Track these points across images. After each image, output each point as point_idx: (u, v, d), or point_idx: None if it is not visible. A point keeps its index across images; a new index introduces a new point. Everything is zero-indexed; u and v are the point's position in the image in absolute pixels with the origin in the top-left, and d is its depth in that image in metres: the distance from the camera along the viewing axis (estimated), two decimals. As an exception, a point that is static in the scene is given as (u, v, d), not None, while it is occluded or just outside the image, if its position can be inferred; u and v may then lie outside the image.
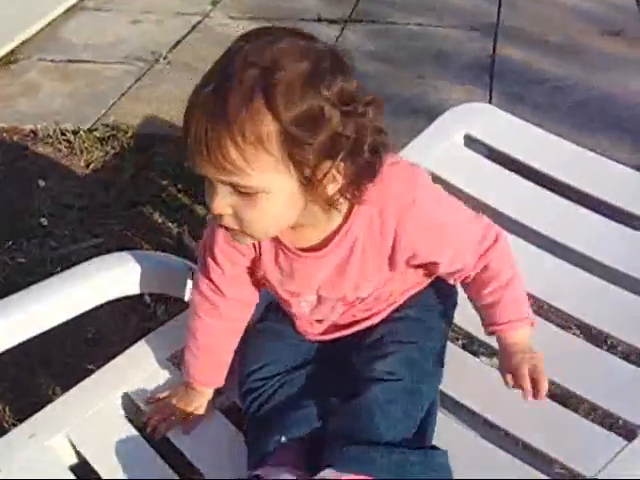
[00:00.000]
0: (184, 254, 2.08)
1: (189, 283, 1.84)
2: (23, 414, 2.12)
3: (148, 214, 3.02)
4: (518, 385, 1.48)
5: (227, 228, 1.36)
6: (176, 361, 1.76)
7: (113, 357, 1.80)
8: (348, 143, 1.26)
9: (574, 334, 1.86)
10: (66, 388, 1.95)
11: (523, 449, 1.58)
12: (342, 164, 1.28)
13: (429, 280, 1.65)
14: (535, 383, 1.47)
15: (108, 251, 1.92)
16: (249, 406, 1.61)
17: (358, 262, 1.47)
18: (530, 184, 2.00)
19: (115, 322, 2.54)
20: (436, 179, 1.99)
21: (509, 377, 1.50)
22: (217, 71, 1.28)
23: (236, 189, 1.28)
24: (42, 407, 1.75)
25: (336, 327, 1.64)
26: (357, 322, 1.63)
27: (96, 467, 1.60)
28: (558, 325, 1.80)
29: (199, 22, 4.58)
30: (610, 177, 2.00)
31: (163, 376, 1.75)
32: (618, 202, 1.92)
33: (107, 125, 3.54)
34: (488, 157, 2.06)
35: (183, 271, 1.86)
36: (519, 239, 1.88)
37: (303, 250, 1.47)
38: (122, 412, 1.70)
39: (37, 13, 4.57)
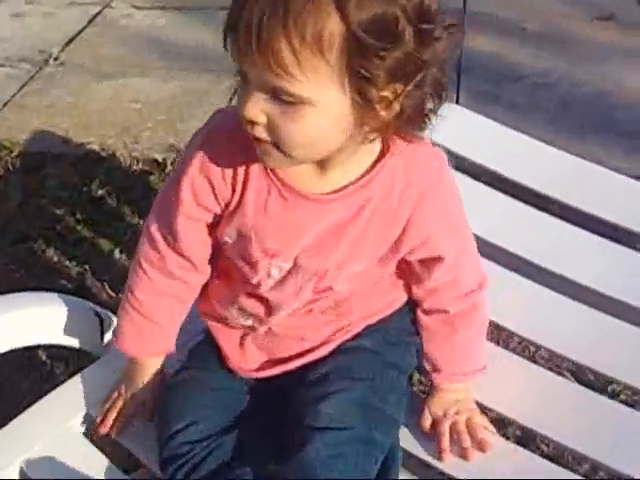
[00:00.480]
0: (86, 298, 2.09)
1: (96, 333, 1.86)
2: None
3: (40, 250, 3.05)
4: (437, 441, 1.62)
5: (257, 139, 1.36)
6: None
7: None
8: (422, 68, 1.31)
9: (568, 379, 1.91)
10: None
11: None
12: (401, 86, 1.31)
13: (398, 305, 1.70)
14: (475, 439, 1.60)
15: (-9, 295, 1.93)
16: (172, 477, 1.62)
17: (360, 228, 1.50)
18: (509, 199, 2.06)
19: (3, 384, 2.55)
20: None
21: (428, 422, 1.64)
22: None
23: (278, 95, 1.30)
24: None
25: (275, 361, 1.68)
26: (301, 354, 1.66)
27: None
28: (549, 369, 1.85)
29: (98, 13, 4.68)
30: (603, 189, 2.05)
31: (63, 452, 1.75)
32: (612, 218, 1.96)
33: (-14, 141, 3.56)
34: (455, 167, 2.09)
35: (88, 317, 1.88)
36: (497, 266, 1.93)
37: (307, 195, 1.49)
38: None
39: None
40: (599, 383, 1.93)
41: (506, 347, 1.97)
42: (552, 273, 1.91)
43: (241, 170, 1.49)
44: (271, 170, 1.46)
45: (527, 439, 1.82)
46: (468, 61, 4.00)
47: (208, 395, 1.68)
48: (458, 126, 2.17)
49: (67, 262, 2.97)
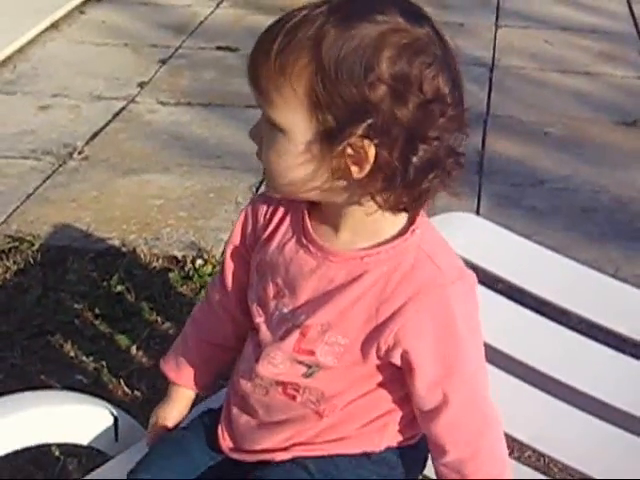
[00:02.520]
0: (103, 396, 2.12)
1: (110, 433, 1.89)
2: None
3: (57, 344, 3.06)
4: None
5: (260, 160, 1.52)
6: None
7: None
8: (388, 125, 1.38)
9: None
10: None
11: None
12: (373, 147, 1.38)
13: (370, 447, 1.66)
14: None
15: (8, 391, 1.95)
16: None
17: (353, 296, 1.52)
18: (524, 310, 2.08)
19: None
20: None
21: None
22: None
23: (267, 120, 1.44)
24: None
25: (241, 448, 1.71)
26: (263, 451, 1.68)
27: None
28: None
29: (123, 108, 4.69)
30: (618, 302, 2.07)
31: None
32: (627, 331, 1.98)
33: (9, 235, 3.60)
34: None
35: (103, 416, 1.90)
36: (512, 377, 1.95)
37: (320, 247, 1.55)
38: None
39: None
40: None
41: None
42: (567, 386, 1.94)
43: (280, 212, 1.62)
44: (302, 219, 1.56)
45: None
46: (490, 164, 4.05)
47: (182, 461, 1.74)
48: (475, 236, 2.22)
49: (84, 357, 2.98)
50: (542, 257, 2.19)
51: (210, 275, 3.32)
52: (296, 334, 1.57)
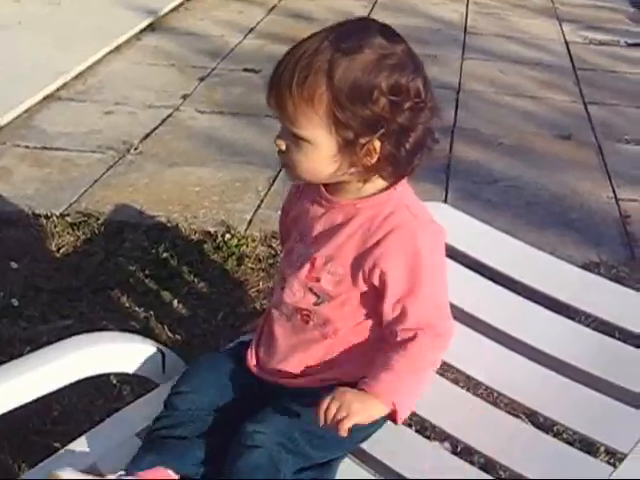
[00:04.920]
0: (151, 337, 2.12)
1: (158, 365, 1.89)
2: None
3: (116, 298, 3.06)
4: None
5: (281, 160, 1.57)
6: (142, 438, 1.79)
7: (79, 435, 1.83)
8: (390, 126, 1.48)
9: (522, 421, 1.91)
10: (32, 465, 1.99)
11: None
12: (379, 142, 1.49)
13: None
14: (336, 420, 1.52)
15: (77, 332, 1.94)
16: (158, 418, 1.70)
17: (347, 234, 1.59)
18: (483, 279, 2.07)
19: (81, 402, 2.56)
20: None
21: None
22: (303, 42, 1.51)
23: (292, 133, 1.49)
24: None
25: (265, 368, 1.73)
26: (281, 374, 1.70)
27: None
28: (508, 412, 1.86)
29: (169, 115, 4.66)
30: (555, 274, 2.07)
31: (129, 454, 1.74)
32: (563, 297, 1.99)
33: (79, 211, 3.58)
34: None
35: (151, 352, 1.90)
36: (472, 331, 1.95)
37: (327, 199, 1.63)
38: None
39: (14, 101, 4.63)
40: (547, 424, 1.94)
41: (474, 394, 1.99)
42: (514, 338, 1.94)
43: (304, 187, 1.69)
44: (318, 187, 1.62)
45: (489, 466, 1.81)
46: (456, 166, 4.05)
47: (216, 380, 1.74)
48: (447, 221, 2.19)
49: (136, 308, 2.99)
50: (497, 238, 2.18)
51: (236, 246, 3.31)
52: (307, 265, 1.63)
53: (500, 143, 4.36)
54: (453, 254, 2.10)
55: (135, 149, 4.22)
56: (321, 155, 1.51)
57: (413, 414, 1.83)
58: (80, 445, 1.81)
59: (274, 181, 3.88)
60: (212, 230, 3.47)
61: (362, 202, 1.59)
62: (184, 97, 4.90)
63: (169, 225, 3.47)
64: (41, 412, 2.48)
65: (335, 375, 1.67)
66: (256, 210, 3.64)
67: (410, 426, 1.91)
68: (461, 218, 2.22)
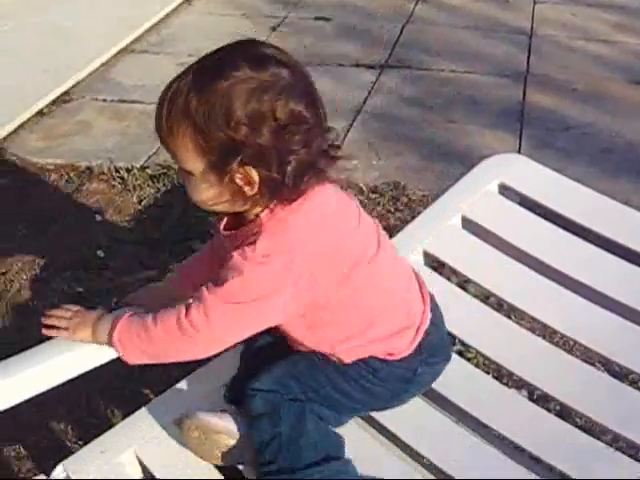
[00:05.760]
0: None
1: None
2: (84, 433, 2.28)
3: (196, 248, 3.13)
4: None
5: None
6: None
7: (170, 385, 1.94)
8: (254, 151, 1.47)
9: (598, 369, 1.96)
10: (125, 414, 2.10)
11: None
12: (254, 171, 1.48)
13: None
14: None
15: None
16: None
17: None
18: (557, 229, 2.11)
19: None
20: (472, 224, 2.12)
21: None
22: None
23: (179, 167, 1.57)
24: (101, 427, 1.89)
25: None
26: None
27: (162, 482, 1.74)
28: (584, 360, 1.92)
29: None
30: (628, 223, 2.11)
31: (219, 403, 1.84)
32: (635, 246, 2.03)
33: (158, 164, 3.67)
34: (520, 204, 2.18)
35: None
36: (547, 279, 2.01)
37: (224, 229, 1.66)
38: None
39: (89, 56, 4.74)
40: (622, 373, 1.98)
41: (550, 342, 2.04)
42: (588, 287, 2.00)
43: None
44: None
45: (565, 414, 1.85)
46: (529, 113, 4.05)
47: None
48: (523, 172, 2.26)
49: (217, 258, 3.07)
50: (570, 187, 2.23)
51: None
52: None
53: (574, 89, 4.34)
54: (528, 204, 2.16)
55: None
56: (202, 187, 1.54)
57: (490, 362, 1.91)
58: (174, 393, 1.92)
59: (349, 131, 3.93)
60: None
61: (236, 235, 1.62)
62: (256, 48, 4.92)
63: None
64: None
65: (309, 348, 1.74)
66: (333, 160, 3.67)
67: (488, 373, 1.98)
68: (538, 170, 2.27)
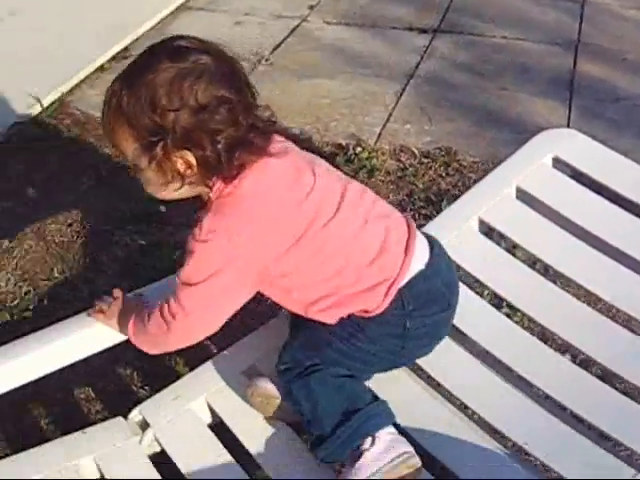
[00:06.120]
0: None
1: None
2: (149, 380, 2.43)
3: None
4: None
5: None
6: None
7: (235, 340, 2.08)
8: (181, 132, 1.62)
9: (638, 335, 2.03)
10: (185, 361, 2.24)
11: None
12: (189, 153, 1.64)
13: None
14: None
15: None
16: None
17: None
18: (606, 202, 2.21)
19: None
20: (526, 195, 2.23)
21: None
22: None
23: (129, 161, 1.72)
24: (164, 375, 2.11)
25: None
26: None
27: (231, 427, 1.88)
28: (625, 327, 2.01)
29: (297, 25, 4.79)
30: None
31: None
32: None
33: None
34: (573, 178, 2.28)
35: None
36: (593, 249, 2.12)
37: None
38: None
39: (148, 13, 4.84)
40: None
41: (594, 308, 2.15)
42: (631, 257, 2.11)
43: None
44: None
45: (606, 377, 1.92)
46: (579, 82, 4.10)
47: None
48: (576, 147, 2.35)
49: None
50: (619, 161, 2.32)
51: (367, 159, 3.48)
52: None
53: (624, 59, 4.36)
54: (579, 177, 2.27)
55: (266, 60, 4.38)
56: (148, 174, 1.68)
57: (535, 324, 2.03)
58: (239, 348, 2.06)
59: (401, 95, 4.02)
60: (343, 142, 3.62)
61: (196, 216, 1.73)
62: (311, 7, 5.00)
63: (302, 137, 3.61)
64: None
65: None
66: (385, 124, 3.78)
67: (532, 336, 2.07)
68: (591, 144, 2.36)
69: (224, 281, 1.68)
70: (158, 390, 2.03)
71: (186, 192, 1.72)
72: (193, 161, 1.64)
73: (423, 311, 1.82)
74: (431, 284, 1.83)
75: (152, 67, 1.63)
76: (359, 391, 1.81)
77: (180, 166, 1.65)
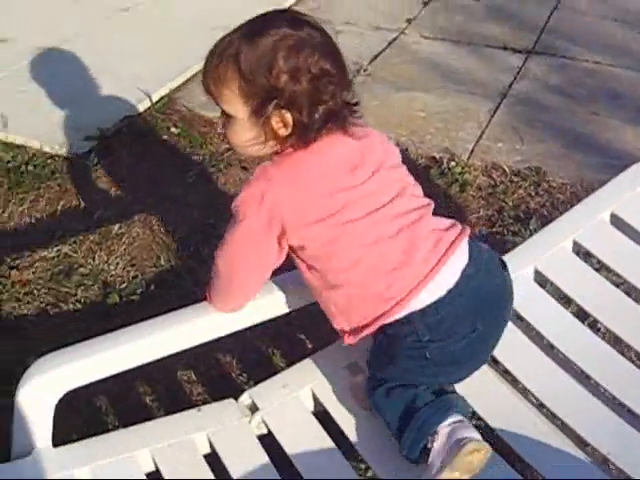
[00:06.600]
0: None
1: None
2: (248, 367, 2.57)
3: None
4: None
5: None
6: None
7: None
8: (290, 96, 1.77)
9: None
10: (282, 353, 2.38)
11: None
12: (289, 114, 1.78)
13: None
14: None
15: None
16: None
17: None
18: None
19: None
20: (619, 221, 2.36)
21: None
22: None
23: (222, 110, 1.85)
24: (262, 364, 2.33)
25: None
26: None
27: (334, 416, 2.03)
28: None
29: (395, 38, 4.92)
30: None
31: None
32: None
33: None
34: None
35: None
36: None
37: None
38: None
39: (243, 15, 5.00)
40: None
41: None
42: None
43: None
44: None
45: None
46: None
47: None
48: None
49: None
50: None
51: (460, 174, 3.59)
52: None
53: None
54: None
55: (364, 70, 4.50)
56: (243, 128, 1.82)
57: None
58: (340, 346, 2.14)
59: (494, 113, 4.14)
60: (437, 156, 3.74)
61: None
62: (409, 21, 5.14)
63: (399, 148, 3.73)
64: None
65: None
66: (478, 140, 3.89)
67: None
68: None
69: (249, 229, 1.85)
70: (257, 377, 2.20)
71: (266, 150, 1.86)
72: (290, 121, 1.79)
73: (443, 342, 1.86)
74: (447, 311, 1.85)
75: (274, 31, 1.78)
76: (418, 393, 1.87)
77: (276, 124, 1.80)
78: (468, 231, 1.93)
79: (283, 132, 1.81)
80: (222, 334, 2.06)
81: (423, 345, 1.84)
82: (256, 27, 1.81)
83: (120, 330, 2.00)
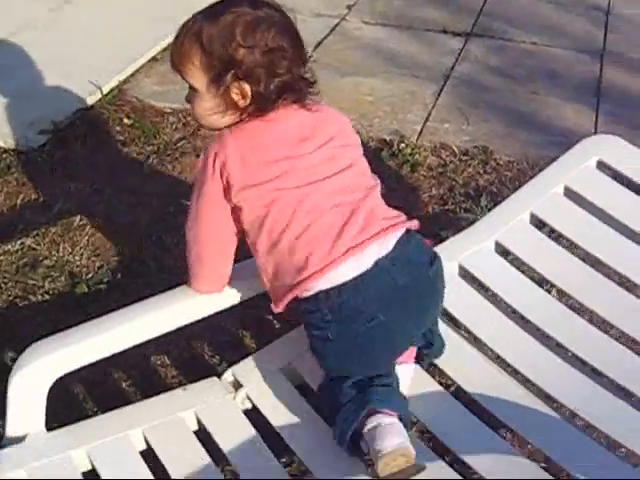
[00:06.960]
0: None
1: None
2: (219, 349, 2.63)
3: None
4: None
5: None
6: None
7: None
8: (247, 67, 1.89)
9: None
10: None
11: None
12: (247, 85, 1.90)
13: None
14: None
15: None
16: None
17: None
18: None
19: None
20: (572, 193, 2.47)
21: None
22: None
23: (189, 86, 1.97)
24: (233, 344, 2.50)
25: None
26: None
27: (314, 388, 2.12)
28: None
29: (337, 25, 4.98)
30: None
31: None
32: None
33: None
34: (614, 179, 2.53)
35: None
36: (632, 242, 2.36)
37: None
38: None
39: (199, 8, 5.03)
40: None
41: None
42: None
43: None
44: None
45: None
46: (606, 89, 4.31)
47: None
48: (619, 152, 2.59)
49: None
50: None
51: (410, 155, 3.68)
52: None
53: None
54: (624, 180, 2.50)
55: (309, 57, 4.53)
56: (204, 99, 1.94)
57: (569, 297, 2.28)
58: (276, 346, 2.28)
59: (439, 95, 4.24)
60: (387, 138, 3.83)
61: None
62: (349, 7, 5.19)
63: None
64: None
65: None
66: (425, 122, 3.99)
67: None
68: (631, 150, 2.59)
69: (206, 196, 1.97)
70: (229, 359, 2.35)
71: (226, 119, 1.97)
72: (249, 92, 1.90)
73: (343, 324, 1.91)
74: (349, 296, 1.89)
75: (234, 9, 1.90)
76: (343, 387, 1.94)
77: (235, 96, 1.91)
78: (408, 225, 1.97)
79: (242, 103, 1.92)
80: (211, 312, 2.17)
81: (325, 324, 1.90)
82: (218, 7, 1.94)
83: (108, 315, 2.07)
